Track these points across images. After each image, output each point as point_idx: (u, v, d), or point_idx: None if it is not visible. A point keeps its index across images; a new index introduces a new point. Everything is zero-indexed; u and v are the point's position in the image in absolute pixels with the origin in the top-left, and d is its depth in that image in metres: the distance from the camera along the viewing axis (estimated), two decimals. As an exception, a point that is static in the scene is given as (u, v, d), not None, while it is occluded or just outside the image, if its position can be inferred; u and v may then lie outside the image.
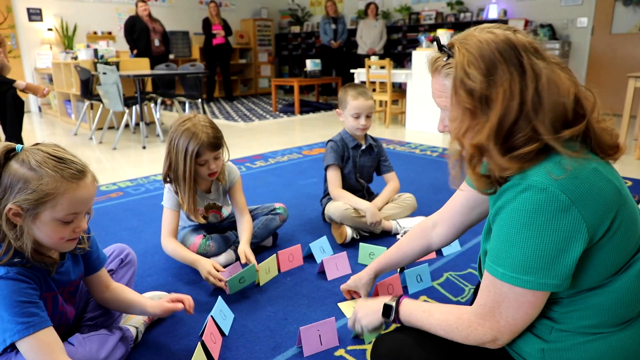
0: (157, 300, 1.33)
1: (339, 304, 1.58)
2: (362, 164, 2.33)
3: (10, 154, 1.00)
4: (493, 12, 7.24)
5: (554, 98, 0.80)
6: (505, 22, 7.09)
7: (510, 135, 0.82)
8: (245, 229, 1.91)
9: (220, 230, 2.03)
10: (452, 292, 1.71)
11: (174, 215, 1.83)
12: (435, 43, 0.95)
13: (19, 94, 3.63)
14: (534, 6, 6.78)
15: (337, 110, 2.29)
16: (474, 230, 2.24)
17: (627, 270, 0.83)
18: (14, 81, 3.59)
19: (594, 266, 0.81)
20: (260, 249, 2.07)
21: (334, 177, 2.25)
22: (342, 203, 2.16)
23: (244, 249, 1.81)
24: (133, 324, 1.39)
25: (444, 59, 0.90)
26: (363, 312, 1.17)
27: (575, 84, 0.83)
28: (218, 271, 1.69)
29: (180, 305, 1.33)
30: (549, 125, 0.80)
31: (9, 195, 0.98)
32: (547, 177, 0.77)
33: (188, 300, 1.36)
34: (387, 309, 1.07)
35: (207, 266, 1.68)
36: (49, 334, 1.01)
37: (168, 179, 1.80)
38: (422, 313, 1.00)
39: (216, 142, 1.73)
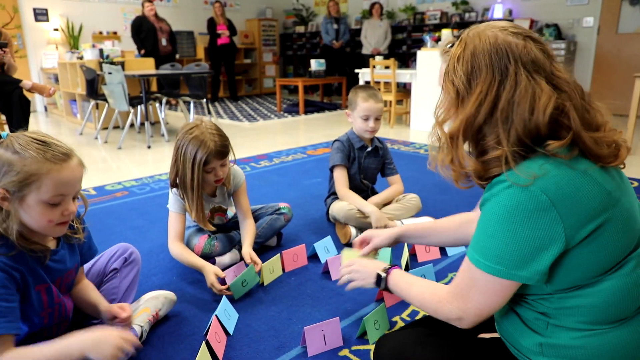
0: (107, 305, 1.29)
1: (344, 250, 1.46)
2: (367, 166, 2.33)
3: None
4: (498, 12, 7.21)
5: (525, 112, 0.81)
6: (510, 22, 7.06)
7: (480, 137, 0.88)
8: (248, 233, 1.90)
9: (224, 230, 2.03)
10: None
11: (180, 219, 1.83)
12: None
13: (25, 93, 3.65)
14: (540, 6, 6.76)
15: (347, 111, 2.29)
16: (478, 230, 2.25)
17: (617, 270, 0.82)
18: (20, 81, 3.62)
19: (577, 265, 0.81)
20: (264, 249, 2.08)
21: (340, 177, 2.24)
22: (347, 203, 2.16)
23: (249, 251, 1.80)
24: (138, 322, 1.40)
25: (449, 46, 0.95)
26: (360, 274, 1.23)
27: (571, 97, 0.83)
28: (223, 279, 1.67)
29: (123, 315, 1.28)
30: (514, 136, 0.82)
31: None
32: (530, 177, 0.79)
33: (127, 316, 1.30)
34: (379, 278, 1.17)
35: (211, 278, 1.65)
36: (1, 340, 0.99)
37: (175, 184, 1.79)
38: (405, 284, 1.10)
39: (223, 150, 1.72)
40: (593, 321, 0.83)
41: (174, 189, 1.80)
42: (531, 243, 0.79)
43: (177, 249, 1.79)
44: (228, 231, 2.03)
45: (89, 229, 1.30)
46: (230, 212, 2.01)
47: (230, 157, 1.82)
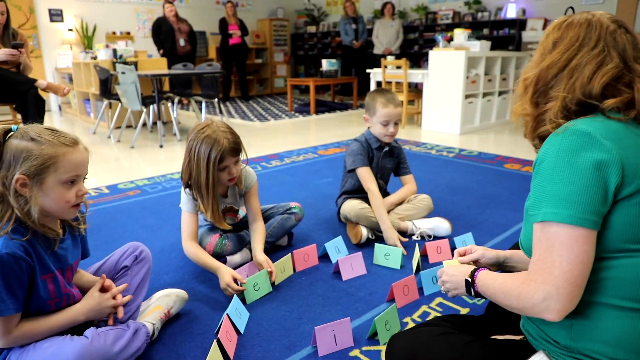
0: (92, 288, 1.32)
1: (444, 261, 1.34)
2: (382, 165, 2.32)
3: (7, 134, 1.09)
4: (512, 11, 7.15)
5: (585, 77, 0.90)
6: (524, 21, 7.00)
7: (548, 88, 0.96)
8: (258, 236, 1.88)
9: (235, 230, 2.04)
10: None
11: (193, 218, 1.83)
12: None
13: (41, 93, 3.70)
14: (554, 5, 6.68)
15: (364, 115, 2.27)
16: (491, 231, 2.23)
17: None
18: (35, 80, 3.66)
19: (619, 225, 0.82)
20: (275, 248, 2.08)
21: (367, 175, 2.21)
22: (358, 202, 2.15)
23: (265, 258, 1.77)
24: (150, 320, 1.41)
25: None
26: (450, 284, 1.14)
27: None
28: (239, 282, 1.66)
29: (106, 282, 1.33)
30: (573, 94, 0.90)
31: (14, 168, 1.07)
32: (588, 124, 0.84)
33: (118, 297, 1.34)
34: (468, 285, 1.06)
35: (227, 278, 1.64)
36: (9, 320, 1.09)
37: (188, 185, 1.80)
38: (489, 280, 0.98)
39: (236, 147, 1.74)
40: (624, 296, 0.82)
41: (187, 190, 1.81)
42: (592, 181, 0.80)
43: (192, 249, 1.79)
44: (239, 231, 2.03)
45: (86, 233, 1.35)
46: (242, 211, 2.02)
47: (242, 157, 1.82)
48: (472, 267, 1.08)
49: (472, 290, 1.04)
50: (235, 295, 1.57)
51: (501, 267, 1.26)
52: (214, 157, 1.68)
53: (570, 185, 0.81)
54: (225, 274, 1.66)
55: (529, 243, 0.89)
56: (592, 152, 0.81)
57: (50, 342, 1.11)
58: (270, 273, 1.73)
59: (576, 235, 0.80)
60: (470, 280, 1.04)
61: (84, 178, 1.18)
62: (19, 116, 3.96)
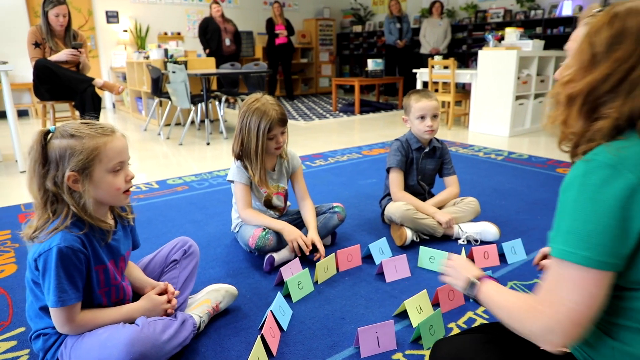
0: (149, 291, 1.37)
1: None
2: (423, 167, 2.28)
3: (47, 135, 1.13)
4: (567, 9, 6.86)
5: None
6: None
7: (598, 104, 0.83)
8: (310, 215, 2.01)
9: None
10: (517, 302, 1.63)
11: (246, 189, 1.97)
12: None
13: (97, 91, 3.88)
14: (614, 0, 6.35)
15: (403, 117, 2.26)
16: (541, 238, 2.14)
17: None
18: (93, 79, 3.84)
19: None
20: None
21: (396, 179, 2.22)
22: (403, 203, 2.12)
23: (315, 237, 1.91)
24: (197, 312, 1.44)
25: (596, 11, 0.90)
26: (455, 272, 1.12)
27: None
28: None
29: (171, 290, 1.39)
30: (627, 112, 0.79)
31: (62, 166, 1.11)
32: (616, 151, 0.76)
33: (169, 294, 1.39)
34: (471, 284, 1.04)
35: (296, 233, 1.86)
36: (72, 309, 1.14)
37: (239, 156, 1.95)
38: (495, 292, 0.96)
39: (284, 118, 1.90)
40: None
41: (238, 162, 1.96)
42: (616, 222, 0.74)
43: (251, 214, 1.95)
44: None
45: (135, 224, 1.40)
46: (279, 202, 2.08)
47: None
48: (481, 272, 1.06)
49: (471, 292, 1.02)
50: (279, 292, 1.59)
51: None
52: (264, 127, 1.85)
53: (589, 223, 0.75)
54: (294, 231, 1.88)
55: None
56: (616, 188, 0.74)
57: (104, 329, 1.17)
58: (317, 253, 1.87)
59: (589, 278, 0.76)
60: (475, 282, 1.02)
61: (128, 163, 1.22)
62: (77, 113, 4.16)
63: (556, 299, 0.79)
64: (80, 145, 1.11)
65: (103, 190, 1.16)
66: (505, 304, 0.90)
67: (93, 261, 1.17)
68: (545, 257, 1.26)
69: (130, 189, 1.22)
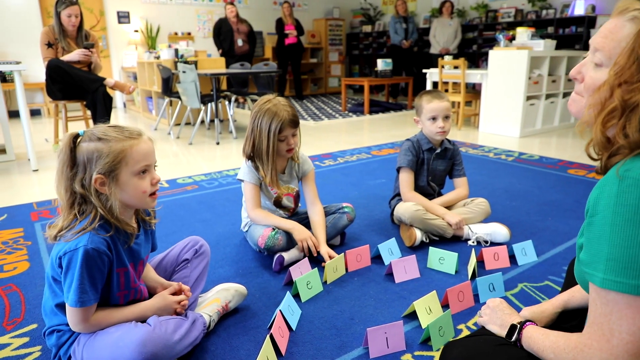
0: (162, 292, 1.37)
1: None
2: (434, 167, 2.27)
3: (76, 138, 1.15)
4: (579, 9, 6.79)
5: None
6: (593, 19, 6.63)
7: None
8: (319, 226, 1.99)
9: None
10: (527, 304, 1.61)
11: (256, 189, 1.97)
12: None
13: (108, 90, 3.91)
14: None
15: (415, 118, 2.25)
16: (552, 240, 2.13)
17: None
18: (104, 79, 3.88)
19: None
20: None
21: (406, 180, 2.21)
22: (413, 204, 2.12)
23: (326, 249, 1.91)
24: (207, 312, 1.45)
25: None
26: (495, 315, 1.12)
27: None
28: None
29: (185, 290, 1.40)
30: None
31: (90, 169, 1.13)
32: None
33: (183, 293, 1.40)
34: (512, 329, 1.03)
35: (305, 234, 1.87)
36: (89, 310, 1.15)
37: (250, 156, 1.96)
38: (540, 335, 0.93)
39: (295, 120, 1.90)
40: None
41: (249, 162, 1.96)
42: None
43: (259, 214, 1.96)
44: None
45: (155, 228, 1.41)
46: (290, 203, 2.07)
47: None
48: (522, 316, 1.07)
49: (513, 336, 1.01)
50: (288, 292, 1.59)
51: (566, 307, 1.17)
52: (275, 128, 1.85)
53: (633, 248, 0.71)
54: (303, 230, 1.89)
55: (585, 282, 0.83)
56: None
57: (116, 328, 1.18)
58: (327, 259, 1.86)
59: (638, 306, 0.72)
60: (518, 326, 1.01)
61: (154, 166, 1.23)
62: (88, 112, 4.20)
63: (606, 332, 0.75)
64: (107, 148, 1.12)
65: (129, 193, 1.17)
66: (551, 345, 0.88)
67: (116, 264, 1.19)
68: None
69: (157, 192, 1.23)
